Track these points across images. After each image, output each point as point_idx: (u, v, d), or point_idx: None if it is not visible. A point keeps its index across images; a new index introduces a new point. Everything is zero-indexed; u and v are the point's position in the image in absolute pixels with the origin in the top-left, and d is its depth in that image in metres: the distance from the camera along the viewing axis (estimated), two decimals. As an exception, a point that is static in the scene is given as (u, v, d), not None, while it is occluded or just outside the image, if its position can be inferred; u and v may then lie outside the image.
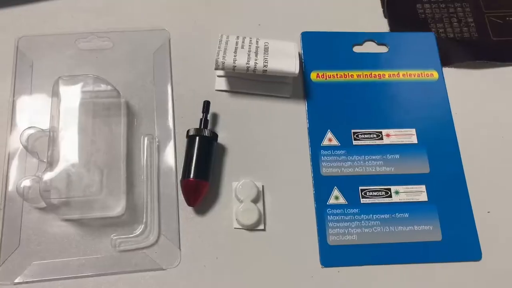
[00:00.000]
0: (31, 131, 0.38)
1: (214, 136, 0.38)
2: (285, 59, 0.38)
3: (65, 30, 0.43)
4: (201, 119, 0.39)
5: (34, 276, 0.34)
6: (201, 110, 0.39)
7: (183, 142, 0.39)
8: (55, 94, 0.38)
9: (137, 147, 0.39)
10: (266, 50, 0.39)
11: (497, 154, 0.40)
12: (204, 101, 0.39)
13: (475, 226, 0.37)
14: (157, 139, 0.39)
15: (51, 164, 0.35)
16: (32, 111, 0.40)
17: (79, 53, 0.42)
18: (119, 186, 0.36)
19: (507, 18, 0.47)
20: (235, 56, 0.38)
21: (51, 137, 0.36)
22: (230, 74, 0.41)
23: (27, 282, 0.34)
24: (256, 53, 0.39)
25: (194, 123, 0.39)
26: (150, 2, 0.45)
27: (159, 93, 0.41)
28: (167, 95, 0.41)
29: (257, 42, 0.40)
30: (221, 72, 0.41)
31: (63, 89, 0.38)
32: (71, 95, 0.38)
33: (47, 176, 0.35)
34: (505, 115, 0.42)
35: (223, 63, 0.38)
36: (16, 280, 0.34)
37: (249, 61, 0.38)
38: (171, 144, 0.39)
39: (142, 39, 0.43)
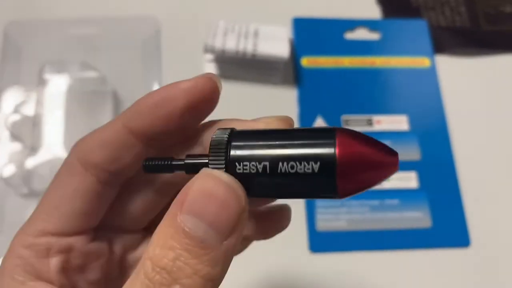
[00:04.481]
0: (17, 116, 0.37)
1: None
2: (276, 43, 0.38)
3: (54, 15, 0.42)
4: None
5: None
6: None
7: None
8: (41, 80, 0.38)
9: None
10: (256, 34, 0.39)
11: (487, 142, 0.40)
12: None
13: (464, 213, 0.37)
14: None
15: (34, 149, 0.35)
16: (18, 97, 0.39)
17: (68, 39, 0.41)
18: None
19: (499, 9, 0.46)
20: (225, 40, 0.37)
21: (35, 123, 0.36)
22: (220, 59, 0.40)
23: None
24: (246, 37, 0.38)
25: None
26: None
27: (147, 80, 0.40)
28: (155, 83, 0.40)
29: (247, 27, 0.40)
30: (211, 57, 0.40)
31: (50, 75, 0.38)
32: (58, 81, 0.37)
33: (30, 162, 0.34)
34: (495, 102, 0.42)
35: (213, 46, 0.37)
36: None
37: (238, 45, 0.37)
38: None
39: (132, 26, 0.42)
